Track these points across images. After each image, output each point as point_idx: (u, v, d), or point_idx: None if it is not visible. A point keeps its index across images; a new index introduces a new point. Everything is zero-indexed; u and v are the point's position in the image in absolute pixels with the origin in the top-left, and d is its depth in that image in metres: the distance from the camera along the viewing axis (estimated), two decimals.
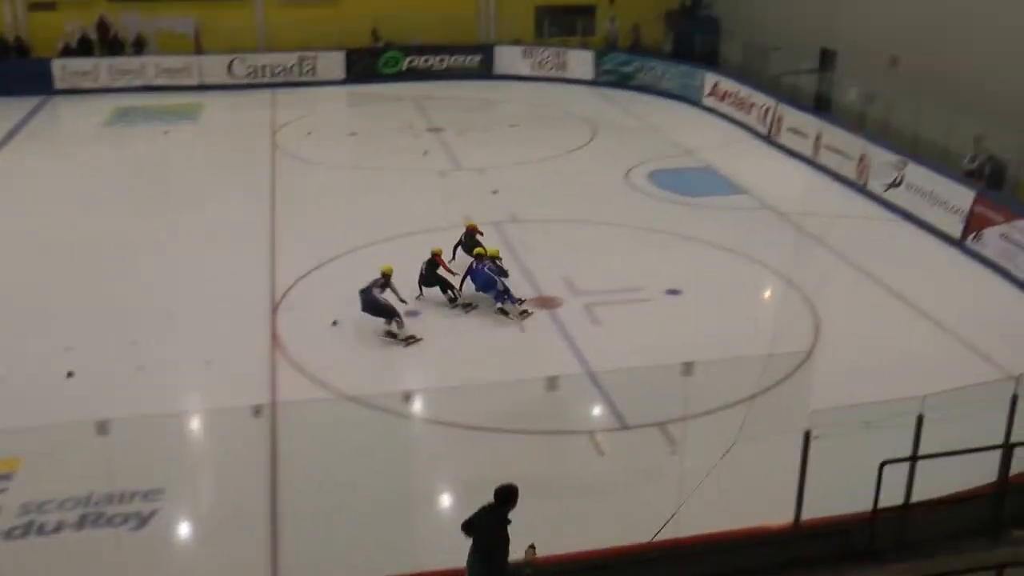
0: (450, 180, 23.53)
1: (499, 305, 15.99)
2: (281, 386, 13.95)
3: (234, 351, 14.96)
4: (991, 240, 18.22)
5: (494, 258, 16.69)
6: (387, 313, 15.14)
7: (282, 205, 21.70)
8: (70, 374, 14.10)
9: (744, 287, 17.73)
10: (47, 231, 20.24)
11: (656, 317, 16.29)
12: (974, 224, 18.74)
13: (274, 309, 16.40)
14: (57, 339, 15.16)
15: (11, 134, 28.24)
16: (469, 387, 12.91)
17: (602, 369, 14.13)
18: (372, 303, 15.12)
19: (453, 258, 17.34)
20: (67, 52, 33.69)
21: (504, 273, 16.52)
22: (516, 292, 16.31)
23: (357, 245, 18.97)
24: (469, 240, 17.60)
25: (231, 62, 33.97)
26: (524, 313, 16.05)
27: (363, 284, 15.30)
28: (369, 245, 18.99)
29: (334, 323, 15.68)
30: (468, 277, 16.32)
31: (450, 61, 35.35)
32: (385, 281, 15.32)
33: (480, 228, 18.18)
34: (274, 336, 15.41)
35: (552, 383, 12.51)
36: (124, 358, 14.62)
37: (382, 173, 24.16)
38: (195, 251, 19.09)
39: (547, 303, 16.54)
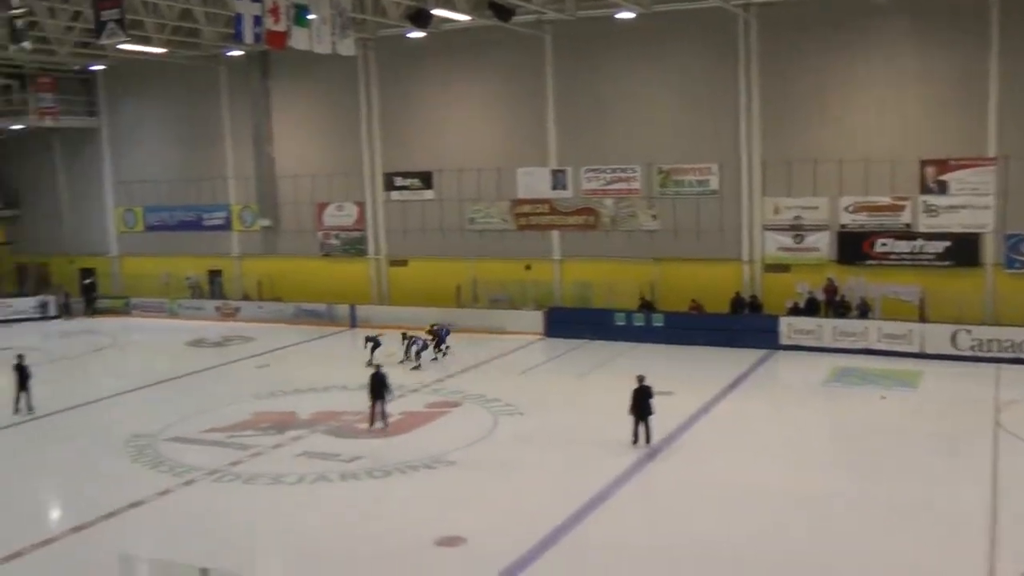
0: None
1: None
2: None
3: None
4: None
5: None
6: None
7: (1004, 489, 20.12)
8: None
9: None
10: (756, 478, 21.10)
11: None
12: None
13: None
14: None
15: (737, 382, 30.45)
16: None
17: None
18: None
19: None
20: (795, 311, 35.72)
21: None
22: None
23: None
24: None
25: (955, 333, 33.09)
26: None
27: None
28: None
29: None
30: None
31: None
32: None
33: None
34: None
35: None
36: None
37: None
38: (902, 521, 18.51)
39: None
